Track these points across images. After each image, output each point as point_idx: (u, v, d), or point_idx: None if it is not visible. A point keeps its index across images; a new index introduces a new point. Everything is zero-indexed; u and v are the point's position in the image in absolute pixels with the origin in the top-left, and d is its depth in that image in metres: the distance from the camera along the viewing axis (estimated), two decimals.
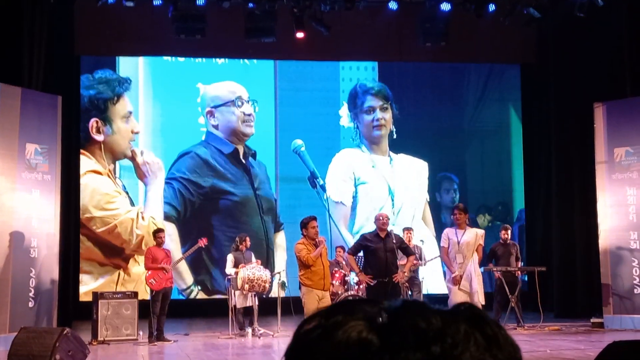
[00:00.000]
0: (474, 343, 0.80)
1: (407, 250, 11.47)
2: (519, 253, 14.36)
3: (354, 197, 17.46)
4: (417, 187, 17.67)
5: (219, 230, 16.74)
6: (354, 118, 17.70)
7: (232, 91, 17.22)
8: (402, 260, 12.81)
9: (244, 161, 17.14)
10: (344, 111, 17.72)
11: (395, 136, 17.66)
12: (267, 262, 15.90)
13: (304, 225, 10.52)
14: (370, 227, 17.12)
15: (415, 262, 12.06)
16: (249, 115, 17.13)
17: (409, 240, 13.68)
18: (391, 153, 17.70)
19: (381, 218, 11.09)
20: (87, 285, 15.99)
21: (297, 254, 10.50)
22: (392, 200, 17.45)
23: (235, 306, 13.22)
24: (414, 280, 13.50)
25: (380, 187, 17.58)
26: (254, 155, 17.23)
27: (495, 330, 0.83)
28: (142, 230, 16.22)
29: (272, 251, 16.99)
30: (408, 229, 14.33)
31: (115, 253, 16.22)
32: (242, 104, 17.17)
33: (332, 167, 17.46)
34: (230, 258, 13.49)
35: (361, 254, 11.48)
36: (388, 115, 17.74)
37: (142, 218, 16.36)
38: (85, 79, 16.38)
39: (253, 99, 17.26)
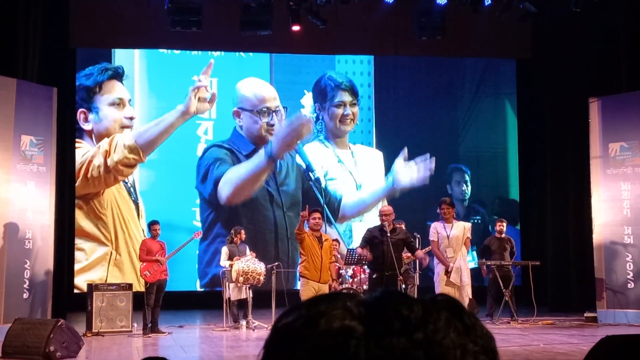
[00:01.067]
0: (454, 329, 0.82)
1: (411, 246, 11.46)
2: (514, 248, 14.41)
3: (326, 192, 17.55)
4: (377, 178, 17.77)
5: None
6: (319, 110, 17.69)
7: (260, 98, 17.23)
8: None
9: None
10: (307, 100, 17.71)
11: (362, 131, 17.78)
12: (289, 257, 16.21)
13: (308, 217, 10.70)
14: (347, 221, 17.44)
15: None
16: (272, 126, 17.16)
17: None
18: (350, 145, 17.78)
19: (382, 213, 11.14)
20: (80, 262, 16.14)
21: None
22: (358, 190, 17.58)
23: (229, 299, 13.24)
24: (408, 273, 13.50)
25: (347, 181, 17.70)
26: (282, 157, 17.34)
27: (472, 320, 0.84)
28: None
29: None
30: (399, 222, 14.19)
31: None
32: (268, 114, 17.17)
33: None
34: (224, 250, 13.51)
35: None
36: (356, 110, 17.81)
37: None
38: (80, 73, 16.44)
39: (283, 105, 17.29)
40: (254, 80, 17.41)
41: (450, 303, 0.85)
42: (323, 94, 17.70)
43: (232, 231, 13.82)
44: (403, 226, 13.85)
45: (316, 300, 0.86)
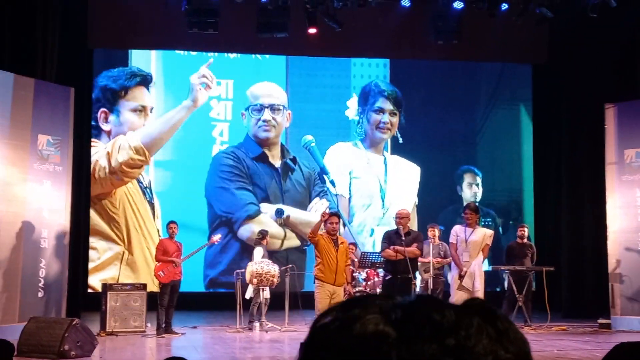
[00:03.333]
0: (487, 336, 0.82)
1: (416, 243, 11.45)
2: (535, 254, 14.34)
3: (349, 191, 17.56)
4: (408, 190, 17.72)
5: None
6: (361, 113, 17.75)
7: (254, 96, 17.29)
8: (425, 258, 12.79)
9: (274, 164, 17.24)
10: (353, 103, 17.77)
11: (400, 141, 17.70)
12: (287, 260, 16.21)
13: (325, 220, 10.68)
14: (362, 220, 17.36)
15: (418, 254, 11.91)
16: (265, 121, 17.18)
17: (434, 237, 13.58)
18: (385, 154, 17.77)
19: (397, 216, 11.13)
20: (93, 261, 16.25)
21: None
22: (382, 199, 17.52)
23: (244, 298, 13.27)
24: (438, 278, 13.46)
25: (372, 184, 17.68)
26: (293, 160, 17.34)
27: (506, 325, 0.85)
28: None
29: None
30: (432, 226, 14.07)
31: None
32: (262, 109, 17.22)
33: (327, 160, 17.50)
34: (260, 252, 13.56)
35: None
36: (395, 120, 17.79)
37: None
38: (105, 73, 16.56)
39: (281, 104, 17.33)
40: (262, 82, 17.46)
41: (483, 308, 0.86)
42: (366, 98, 17.77)
43: (262, 233, 14.00)
44: (436, 231, 13.79)
45: (352, 303, 0.87)
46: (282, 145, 17.41)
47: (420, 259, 11.90)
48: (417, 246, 10.82)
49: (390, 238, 10.90)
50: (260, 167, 17.16)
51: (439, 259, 13.23)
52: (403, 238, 10.69)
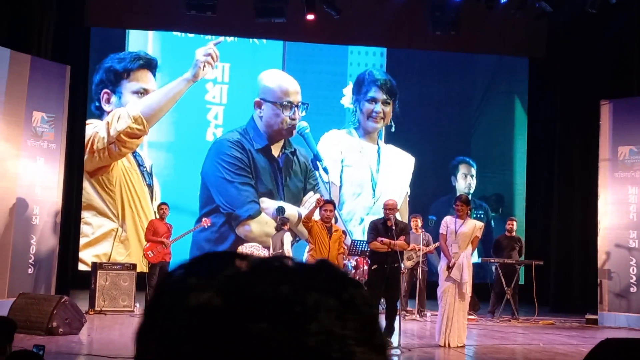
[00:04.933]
0: (325, 311, 0.75)
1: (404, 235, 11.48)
2: (523, 247, 14.44)
3: (340, 178, 17.56)
4: (400, 180, 17.73)
5: None
6: (355, 102, 17.74)
7: (284, 91, 17.23)
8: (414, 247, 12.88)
9: (276, 156, 17.19)
10: (348, 91, 17.76)
11: (393, 130, 17.70)
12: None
13: (320, 206, 10.72)
14: (352, 209, 17.38)
15: (411, 247, 11.98)
16: (294, 120, 17.19)
17: (416, 227, 13.69)
18: (380, 142, 17.76)
19: (386, 206, 11.14)
20: (87, 237, 16.30)
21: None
22: (373, 189, 17.50)
23: None
24: (421, 267, 13.55)
25: (364, 173, 17.68)
26: (293, 153, 17.30)
27: (351, 292, 0.78)
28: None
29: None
30: (415, 216, 14.28)
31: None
32: (291, 108, 17.19)
33: (320, 147, 17.49)
34: (288, 237, 13.44)
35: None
36: (388, 109, 17.78)
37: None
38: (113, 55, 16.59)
39: (304, 102, 17.29)
40: (277, 72, 17.40)
41: (330, 276, 0.79)
42: (360, 87, 17.74)
43: (283, 220, 13.97)
44: (419, 221, 13.91)
45: (193, 267, 0.81)
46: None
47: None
48: (405, 239, 10.85)
49: (378, 229, 10.88)
50: (263, 159, 17.12)
51: (422, 247, 13.29)
52: (393, 229, 10.68)
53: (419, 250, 13.21)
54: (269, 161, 17.16)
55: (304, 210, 16.65)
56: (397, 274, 10.64)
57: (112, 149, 16.34)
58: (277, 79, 17.28)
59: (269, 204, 17.01)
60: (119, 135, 16.33)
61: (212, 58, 16.94)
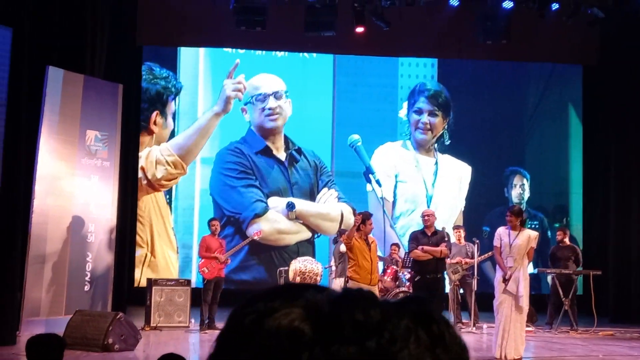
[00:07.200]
0: (415, 340, 0.75)
1: (444, 243, 11.43)
2: (579, 256, 14.19)
3: (394, 194, 17.41)
4: (456, 194, 17.55)
5: None
6: (407, 114, 17.67)
7: (255, 87, 17.15)
8: (454, 259, 12.85)
9: (278, 157, 17.13)
10: (405, 104, 17.70)
11: (447, 142, 17.54)
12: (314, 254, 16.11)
13: (363, 220, 10.54)
14: (405, 224, 17.25)
15: (445, 254, 11.84)
16: (271, 109, 17.07)
17: (459, 238, 13.63)
18: (437, 154, 17.61)
19: (425, 216, 11.09)
20: None
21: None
22: (428, 205, 17.09)
23: None
24: (465, 279, 13.43)
25: (418, 188, 17.49)
26: (298, 151, 17.24)
27: (442, 329, 0.77)
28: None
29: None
30: (458, 227, 14.19)
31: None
32: (265, 98, 17.12)
33: (374, 161, 17.39)
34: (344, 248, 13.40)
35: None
36: (436, 120, 17.60)
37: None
38: (143, 70, 16.66)
39: (283, 91, 17.16)
40: (260, 74, 17.26)
41: (419, 309, 0.78)
42: (410, 99, 17.67)
43: (340, 231, 13.62)
44: (462, 232, 13.85)
45: (277, 293, 0.80)
46: (285, 137, 17.24)
47: (447, 260, 11.95)
48: (444, 246, 10.78)
49: (418, 238, 10.89)
50: (265, 161, 17.04)
51: (467, 260, 13.22)
52: (430, 237, 10.68)
53: (465, 263, 13.14)
54: (274, 161, 17.07)
55: (318, 207, 16.61)
56: (438, 285, 10.60)
57: (150, 189, 16.48)
58: (252, 80, 17.17)
59: (277, 202, 16.93)
60: (159, 181, 16.48)
61: (241, 92, 16.97)
